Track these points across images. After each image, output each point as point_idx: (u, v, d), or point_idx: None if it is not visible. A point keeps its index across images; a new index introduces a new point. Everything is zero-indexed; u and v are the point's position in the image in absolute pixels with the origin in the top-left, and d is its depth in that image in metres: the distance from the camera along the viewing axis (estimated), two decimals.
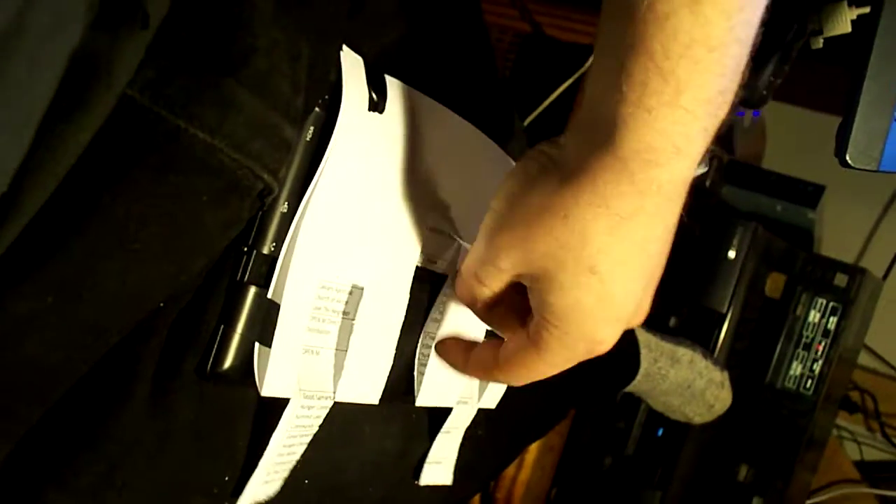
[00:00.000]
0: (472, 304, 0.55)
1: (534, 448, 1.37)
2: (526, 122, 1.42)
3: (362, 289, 0.58)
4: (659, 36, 0.41)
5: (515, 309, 0.55)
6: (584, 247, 0.47)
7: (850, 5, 0.89)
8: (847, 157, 0.61)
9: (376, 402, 0.62)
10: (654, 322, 1.33)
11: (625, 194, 0.46)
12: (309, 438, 0.58)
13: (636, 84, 0.43)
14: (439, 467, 0.73)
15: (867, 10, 0.84)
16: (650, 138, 0.44)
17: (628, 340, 1.23)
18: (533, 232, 0.49)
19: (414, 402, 0.67)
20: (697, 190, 1.51)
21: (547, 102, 1.42)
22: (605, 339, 0.51)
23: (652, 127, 0.43)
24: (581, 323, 0.50)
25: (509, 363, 0.55)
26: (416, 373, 0.67)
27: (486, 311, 0.55)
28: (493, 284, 0.53)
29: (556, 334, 0.51)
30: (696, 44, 0.41)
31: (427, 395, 0.67)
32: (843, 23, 0.91)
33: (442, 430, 0.71)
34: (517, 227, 0.50)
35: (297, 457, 0.58)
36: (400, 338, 0.63)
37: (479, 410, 0.75)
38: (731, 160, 1.60)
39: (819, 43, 1.01)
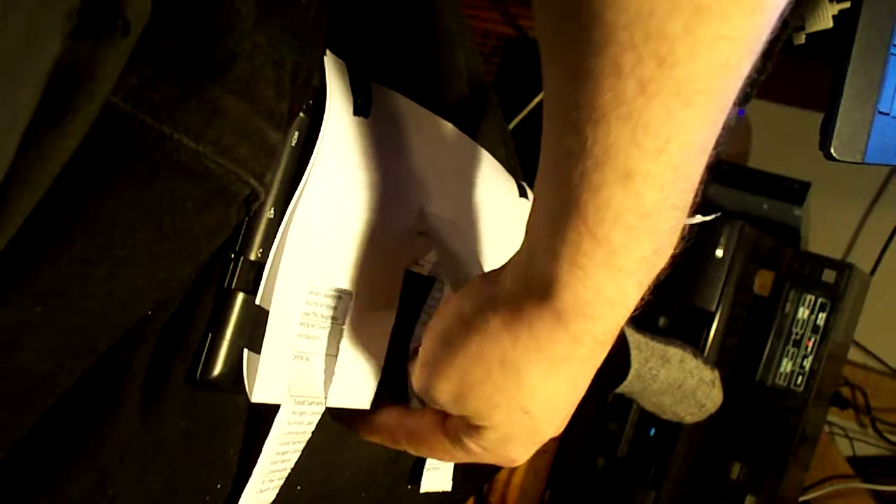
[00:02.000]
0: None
1: None
2: (511, 125, 1.42)
3: (351, 293, 0.58)
4: (591, 203, 0.41)
5: None
6: (518, 390, 0.49)
7: (831, 1, 0.89)
8: (832, 150, 0.61)
9: (368, 406, 0.62)
10: (644, 322, 1.34)
11: (559, 341, 0.47)
12: (302, 445, 0.58)
13: (570, 244, 0.43)
14: (438, 473, 0.73)
15: (848, 4, 0.84)
16: (585, 295, 0.44)
17: (619, 342, 1.23)
18: (469, 377, 0.50)
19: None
20: None
21: (531, 105, 1.43)
22: (518, 460, 0.55)
23: (585, 285, 0.44)
24: (504, 448, 0.53)
25: (417, 439, 0.58)
26: (408, 376, 0.66)
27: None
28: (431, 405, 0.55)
29: (476, 448, 0.54)
30: (629, 212, 0.41)
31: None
32: (824, 18, 0.91)
33: None
34: (453, 372, 0.51)
35: (292, 464, 0.58)
36: (390, 342, 0.63)
37: None
38: (716, 159, 1.61)
39: (801, 39, 1.01)
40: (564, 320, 0.45)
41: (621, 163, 0.39)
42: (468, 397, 0.51)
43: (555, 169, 0.42)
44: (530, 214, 0.47)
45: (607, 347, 0.49)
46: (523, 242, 0.48)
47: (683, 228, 0.46)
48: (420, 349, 0.54)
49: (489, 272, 0.52)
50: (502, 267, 0.51)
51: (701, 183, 0.44)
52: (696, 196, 0.44)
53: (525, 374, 0.48)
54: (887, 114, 0.61)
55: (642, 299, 0.47)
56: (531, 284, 0.46)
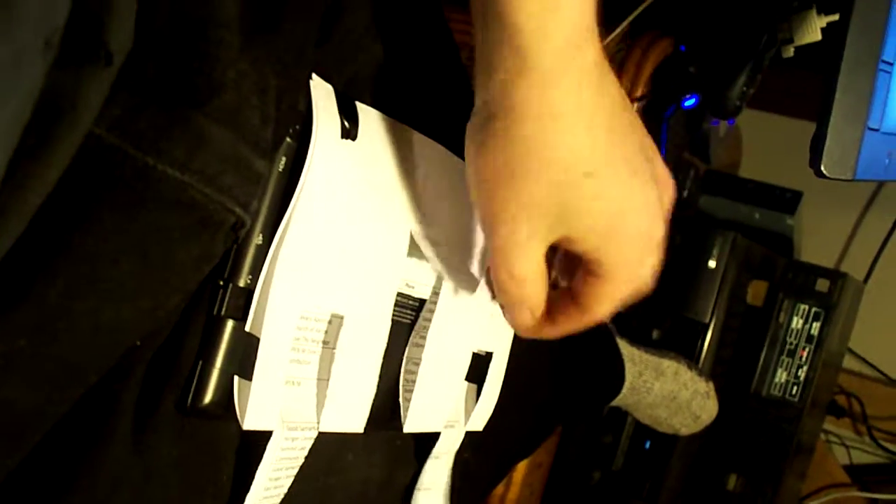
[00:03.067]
0: (526, 308, 0.57)
1: (521, 466, 1.36)
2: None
3: (342, 317, 0.58)
4: None
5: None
6: (562, 161, 0.50)
7: (819, 13, 0.90)
8: (822, 168, 0.61)
9: (361, 430, 0.61)
10: (637, 335, 1.34)
11: (565, 94, 0.48)
12: (296, 471, 0.58)
13: None
14: (430, 493, 0.73)
15: (836, 17, 0.84)
16: (567, 34, 0.47)
17: (612, 355, 1.23)
18: (518, 184, 0.50)
19: (400, 428, 0.66)
20: (676, 200, 1.51)
21: None
22: (651, 230, 0.54)
23: (565, 22, 0.46)
24: (622, 223, 0.53)
25: (587, 299, 0.56)
26: (401, 399, 0.66)
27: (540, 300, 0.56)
28: (526, 266, 0.54)
29: (611, 253, 0.54)
30: None
31: (414, 422, 0.67)
32: (813, 31, 0.91)
33: (431, 455, 0.71)
34: (506, 191, 0.51)
35: (285, 489, 0.57)
36: (382, 364, 0.62)
37: (465, 434, 0.74)
38: (707, 170, 1.61)
39: (790, 52, 1.02)
40: (556, 73, 0.48)
41: None
42: (533, 200, 0.51)
43: None
44: (476, 18, 0.50)
45: (609, 76, 0.51)
46: (476, 48, 0.51)
47: None
48: (476, 220, 0.56)
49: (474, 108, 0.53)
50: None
51: None
52: None
53: (552, 143, 0.49)
54: (877, 130, 0.61)
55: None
56: (506, 69, 0.49)
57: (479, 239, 0.69)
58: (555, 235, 0.53)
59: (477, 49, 0.51)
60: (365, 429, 0.62)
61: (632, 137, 0.53)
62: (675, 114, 1.35)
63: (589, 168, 0.50)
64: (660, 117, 1.34)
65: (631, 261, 0.55)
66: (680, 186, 1.52)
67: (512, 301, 0.57)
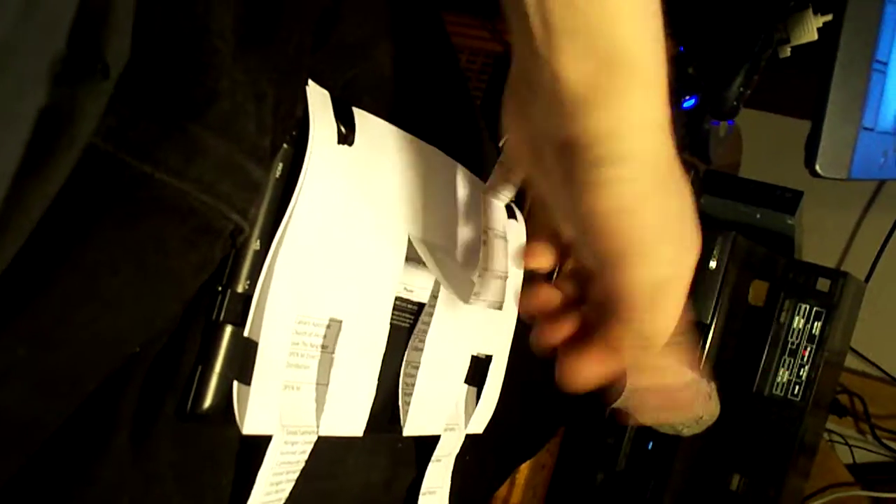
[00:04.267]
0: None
1: (524, 468, 1.36)
2: (501, 143, 1.42)
3: (340, 322, 0.58)
4: None
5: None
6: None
7: (815, 13, 0.90)
8: (817, 168, 0.61)
9: (360, 434, 0.62)
10: None
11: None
12: (296, 475, 0.58)
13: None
14: (433, 497, 0.73)
15: (830, 17, 0.84)
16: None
17: None
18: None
19: (400, 431, 0.66)
20: None
21: None
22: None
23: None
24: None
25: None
26: (400, 402, 0.66)
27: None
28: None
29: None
30: None
31: (414, 425, 0.67)
32: (809, 31, 0.91)
33: (432, 458, 0.71)
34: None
35: (286, 494, 0.58)
36: (381, 368, 0.62)
37: (466, 436, 0.75)
38: (707, 170, 1.61)
39: (787, 52, 1.02)
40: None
41: None
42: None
43: None
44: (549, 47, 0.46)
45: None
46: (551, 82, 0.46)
47: None
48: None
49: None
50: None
51: None
52: None
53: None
54: (872, 129, 0.62)
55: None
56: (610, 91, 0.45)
57: (477, 242, 0.69)
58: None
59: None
60: (364, 433, 0.62)
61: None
62: (674, 114, 1.35)
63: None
64: None
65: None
66: None
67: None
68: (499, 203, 0.66)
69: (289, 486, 0.57)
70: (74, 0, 0.34)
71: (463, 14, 1.44)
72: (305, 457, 0.58)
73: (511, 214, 0.77)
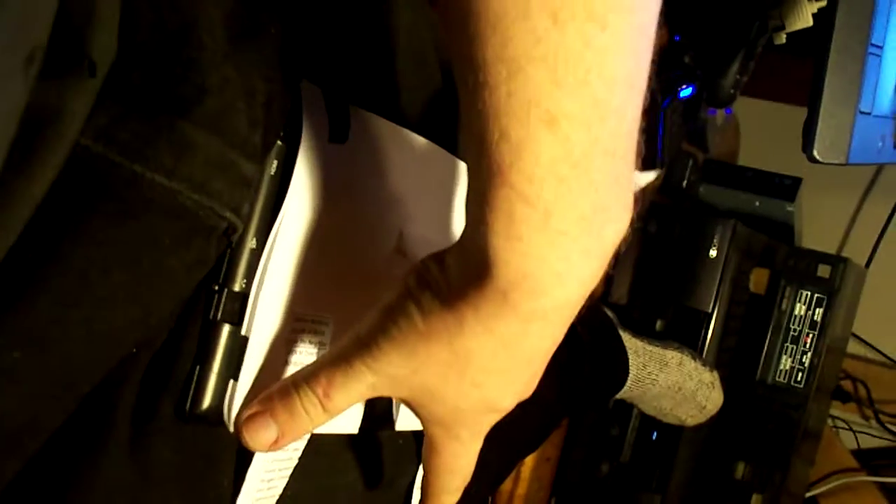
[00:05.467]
0: (305, 422, 0.52)
1: (529, 461, 1.36)
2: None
3: (336, 319, 0.58)
4: (517, 164, 0.39)
5: None
6: (468, 367, 0.47)
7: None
8: (815, 153, 0.61)
9: (356, 431, 0.61)
10: (641, 326, 1.33)
11: (508, 322, 0.44)
12: (289, 471, 0.58)
13: (502, 213, 0.41)
14: None
15: (825, 3, 0.84)
16: (526, 267, 0.42)
17: (617, 348, 1.23)
18: (417, 353, 0.48)
19: (392, 427, 0.66)
20: (675, 191, 1.51)
21: None
22: (493, 420, 0.53)
23: (525, 256, 0.42)
24: (465, 418, 0.52)
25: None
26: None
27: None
28: (344, 404, 0.51)
29: (443, 431, 0.53)
30: (558, 162, 0.39)
31: (406, 419, 0.66)
32: (804, 17, 0.91)
33: None
34: (399, 349, 0.48)
35: (279, 490, 0.57)
36: None
37: None
38: (706, 159, 1.60)
39: (782, 38, 1.01)
40: (511, 300, 0.43)
41: (543, 109, 0.38)
42: (414, 374, 0.48)
43: (474, 136, 0.40)
44: (467, 192, 0.45)
45: (563, 326, 0.46)
46: (465, 226, 0.46)
47: (635, 203, 0.43)
48: (353, 331, 0.51)
49: (436, 253, 0.49)
50: (448, 249, 0.48)
51: (641, 133, 0.42)
52: (637, 148, 0.42)
53: (474, 354, 0.46)
54: (869, 113, 0.61)
55: (603, 277, 0.45)
56: (472, 268, 0.44)
57: None
58: (394, 395, 0.52)
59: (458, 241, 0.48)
60: (360, 430, 0.62)
61: (536, 373, 0.50)
62: (671, 104, 1.34)
63: (484, 383, 0.48)
64: (656, 108, 1.34)
65: (462, 444, 0.55)
66: (679, 176, 1.52)
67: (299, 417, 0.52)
68: None
69: (282, 483, 0.57)
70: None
71: None
72: (299, 454, 0.58)
73: None
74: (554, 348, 0.49)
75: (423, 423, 0.53)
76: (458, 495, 0.58)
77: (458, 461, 0.56)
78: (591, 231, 0.42)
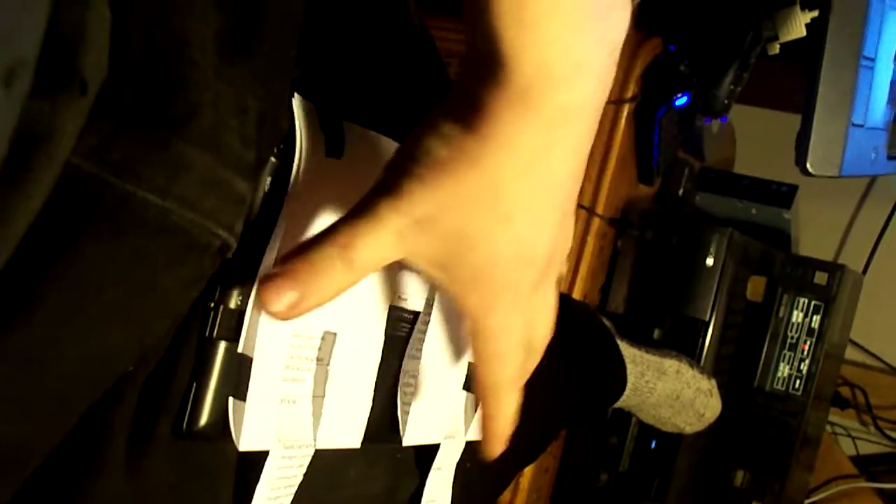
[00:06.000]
0: (327, 281, 0.48)
1: (528, 472, 1.36)
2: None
3: (335, 334, 0.58)
4: None
5: None
6: (496, 196, 0.46)
7: (803, 9, 0.90)
8: (808, 166, 0.61)
9: (358, 445, 0.61)
10: (638, 335, 1.33)
11: (533, 130, 0.44)
12: (294, 489, 0.57)
13: (511, 6, 0.41)
14: None
15: (816, 13, 0.84)
16: (543, 55, 0.42)
17: (614, 357, 1.23)
18: (443, 185, 0.46)
19: (399, 441, 0.66)
20: (671, 199, 1.52)
21: None
22: (532, 282, 0.50)
23: (541, 43, 0.41)
24: (502, 274, 0.49)
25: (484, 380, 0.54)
26: (399, 412, 0.66)
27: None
28: (370, 257, 0.48)
29: (480, 297, 0.50)
30: None
31: (413, 434, 0.66)
32: (797, 27, 0.91)
33: (433, 467, 0.71)
34: (423, 185, 0.46)
35: None
36: (378, 378, 0.62)
37: (466, 443, 0.74)
38: (702, 167, 1.61)
39: (776, 49, 1.02)
40: (532, 100, 0.43)
41: None
42: (445, 209, 0.46)
43: None
44: (464, 15, 0.45)
45: (588, 135, 0.46)
46: (466, 43, 0.45)
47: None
48: (378, 178, 0.48)
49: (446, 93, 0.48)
50: (456, 74, 0.48)
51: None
52: None
53: (501, 179, 0.45)
54: (861, 125, 0.61)
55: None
56: (485, 75, 0.44)
57: None
58: (422, 252, 0.49)
59: (464, 54, 0.47)
60: (363, 443, 0.62)
61: (567, 204, 0.49)
62: (667, 113, 1.35)
63: (515, 216, 0.47)
64: (651, 117, 1.34)
65: (503, 314, 0.52)
66: (675, 185, 1.52)
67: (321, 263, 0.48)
68: None
69: (287, 500, 0.57)
70: (33, 15, 0.34)
71: (450, 18, 1.44)
72: (303, 470, 0.57)
73: None
74: (582, 169, 0.47)
75: (458, 300, 0.51)
76: (514, 393, 0.56)
77: (500, 340, 0.52)
78: (600, 15, 0.42)
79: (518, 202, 0.46)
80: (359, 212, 0.48)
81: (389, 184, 0.47)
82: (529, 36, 0.42)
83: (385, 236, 0.47)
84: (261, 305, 0.49)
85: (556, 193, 0.48)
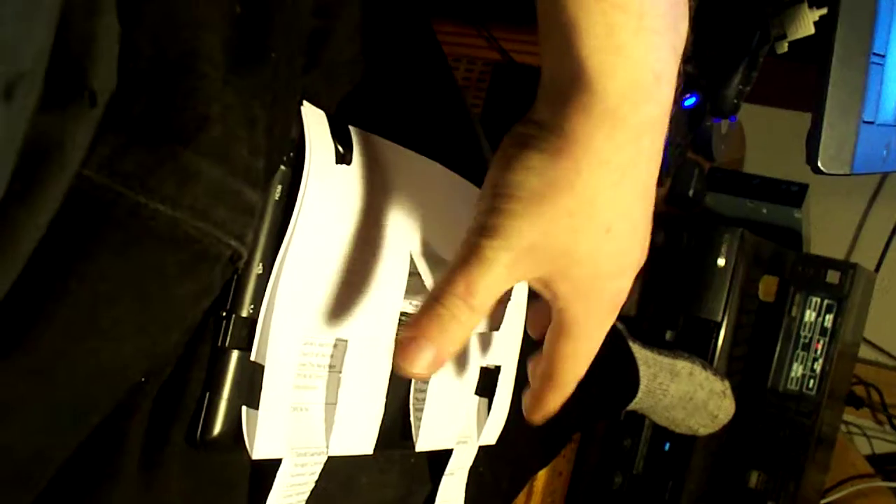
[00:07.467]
0: (458, 329, 0.50)
1: (542, 475, 1.36)
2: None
3: (346, 341, 0.58)
4: None
5: None
6: (594, 210, 0.48)
7: (811, 7, 0.89)
8: (819, 164, 0.61)
9: (371, 451, 0.61)
10: (651, 337, 1.33)
11: (622, 145, 0.46)
12: (306, 496, 0.57)
13: (601, 29, 0.43)
14: None
15: (825, 11, 0.84)
16: (633, 75, 0.44)
17: (627, 359, 1.23)
18: (543, 213, 0.48)
19: (411, 447, 0.66)
20: (681, 200, 1.51)
21: None
22: (625, 289, 0.53)
23: (628, 63, 0.44)
24: (603, 286, 0.52)
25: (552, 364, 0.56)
26: (412, 418, 0.66)
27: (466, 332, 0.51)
28: (489, 297, 0.50)
29: (583, 306, 0.52)
30: None
31: (426, 440, 0.66)
32: (805, 25, 0.91)
33: (445, 472, 0.71)
34: (523, 217, 0.48)
35: None
36: (390, 385, 0.62)
37: (479, 448, 0.74)
38: (712, 167, 1.60)
39: (784, 47, 1.01)
40: (621, 116, 0.45)
41: None
42: (548, 234, 0.48)
43: None
44: (541, 45, 0.47)
45: (662, 137, 0.48)
46: (544, 74, 0.48)
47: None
48: (471, 224, 0.50)
49: (518, 123, 0.50)
50: (532, 108, 0.49)
51: None
52: None
53: (597, 193, 0.47)
54: (872, 122, 0.61)
55: (679, 78, 0.47)
56: (573, 101, 0.46)
57: None
58: (530, 275, 0.51)
59: (545, 68, 0.49)
60: (375, 450, 0.62)
61: (649, 201, 0.52)
62: (675, 114, 1.35)
63: (613, 225, 0.49)
64: None
65: (599, 320, 0.55)
66: (685, 185, 1.52)
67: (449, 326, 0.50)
68: None
69: None
70: (33, 29, 0.34)
71: (457, 22, 1.44)
72: (316, 477, 0.57)
73: None
74: (655, 176, 0.50)
75: (561, 312, 0.53)
76: (573, 388, 0.58)
77: (589, 344, 0.55)
78: (673, 26, 0.45)
79: (615, 212, 0.49)
80: (467, 258, 0.49)
81: (488, 225, 0.49)
82: (618, 60, 0.44)
83: (498, 273, 0.49)
84: (399, 371, 0.50)
85: (646, 198, 0.50)
